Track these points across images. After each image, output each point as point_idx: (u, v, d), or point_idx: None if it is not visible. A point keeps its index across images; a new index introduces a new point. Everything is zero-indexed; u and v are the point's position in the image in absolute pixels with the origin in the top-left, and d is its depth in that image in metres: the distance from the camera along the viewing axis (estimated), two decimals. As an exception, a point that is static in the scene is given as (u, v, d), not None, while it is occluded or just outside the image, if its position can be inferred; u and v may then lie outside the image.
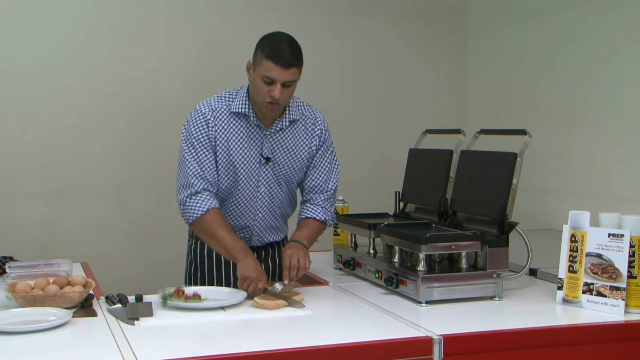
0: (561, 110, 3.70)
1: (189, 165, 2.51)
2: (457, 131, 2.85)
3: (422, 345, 1.96)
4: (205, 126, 2.52)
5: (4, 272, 2.61)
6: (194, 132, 2.52)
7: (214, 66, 3.91)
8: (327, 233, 3.19)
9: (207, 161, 2.52)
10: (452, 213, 2.68)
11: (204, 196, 2.50)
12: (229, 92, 2.60)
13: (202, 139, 2.52)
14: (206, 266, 2.70)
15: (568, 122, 3.65)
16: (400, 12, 4.37)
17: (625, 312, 2.19)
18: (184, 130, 2.57)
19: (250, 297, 2.33)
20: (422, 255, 2.36)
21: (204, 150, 2.52)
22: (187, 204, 2.50)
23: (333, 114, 4.23)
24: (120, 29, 3.87)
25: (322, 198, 2.68)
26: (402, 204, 3.03)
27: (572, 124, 3.63)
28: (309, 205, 2.67)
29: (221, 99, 2.57)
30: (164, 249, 3.87)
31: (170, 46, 3.94)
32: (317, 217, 2.64)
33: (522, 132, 2.44)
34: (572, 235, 2.31)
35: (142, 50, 3.90)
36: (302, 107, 2.65)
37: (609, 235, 2.23)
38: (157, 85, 3.90)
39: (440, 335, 1.98)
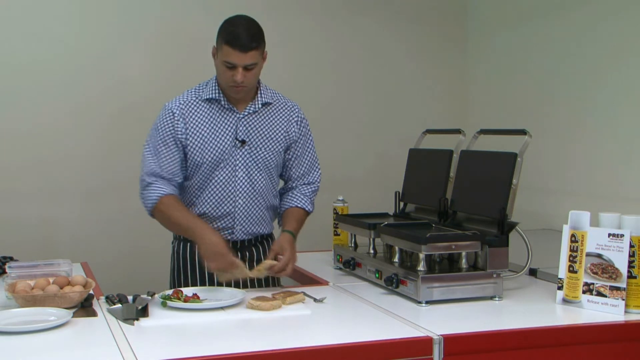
0: (561, 110, 3.70)
1: (146, 161, 2.60)
2: (457, 131, 2.85)
3: (422, 345, 1.96)
4: (170, 120, 2.58)
5: (4, 272, 2.61)
6: (157, 126, 2.61)
7: (206, 65, 3.90)
8: (327, 233, 3.20)
9: (166, 156, 2.58)
10: (452, 213, 2.68)
11: (154, 186, 2.57)
12: (200, 84, 2.66)
13: (164, 134, 2.58)
14: (189, 268, 2.69)
15: (568, 121, 3.65)
16: (401, 12, 4.37)
17: (625, 312, 2.19)
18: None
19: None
20: (422, 255, 2.36)
21: (164, 145, 2.58)
22: (143, 196, 2.60)
23: (333, 114, 4.27)
24: (108, 30, 3.86)
25: (310, 190, 2.73)
26: (402, 204, 3.03)
27: (572, 123, 3.63)
28: (297, 194, 2.70)
29: (191, 92, 2.64)
30: (164, 248, 3.85)
31: (161, 40, 3.95)
32: (306, 209, 2.70)
33: (522, 132, 2.44)
34: (572, 235, 2.31)
35: (138, 43, 3.91)
36: (276, 94, 2.70)
37: (609, 235, 2.23)
38: (154, 80, 3.89)
39: (440, 335, 1.98)
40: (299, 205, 2.70)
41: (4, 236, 3.57)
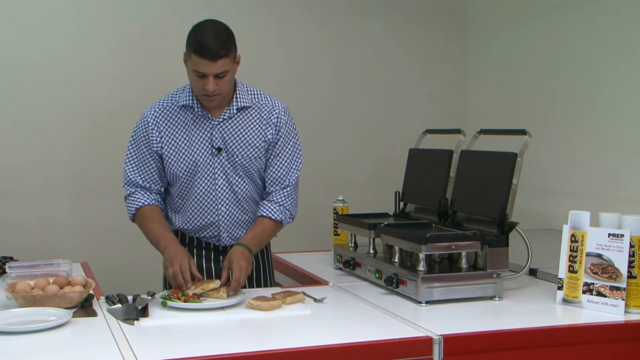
0: (561, 110, 3.70)
1: (126, 170, 2.61)
2: (457, 131, 2.85)
3: (422, 345, 1.96)
4: (144, 130, 2.57)
5: (4, 272, 2.61)
6: (134, 135, 2.60)
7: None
8: (328, 233, 3.20)
9: (143, 165, 2.58)
10: (452, 213, 2.68)
11: (133, 197, 2.59)
12: (178, 88, 2.61)
13: (139, 144, 2.58)
14: None
15: (568, 121, 3.65)
16: (401, 13, 4.37)
17: (625, 312, 2.19)
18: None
19: (176, 286, 2.34)
20: (422, 255, 2.36)
21: (140, 155, 2.58)
22: (126, 205, 2.61)
23: (333, 114, 4.28)
24: (107, 29, 3.87)
25: (282, 195, 2.59)
26: (402, 204, 3.03)
27: (572, 123, 3.63)
28: (267, 203, 2.59)
29: (168, 97, 2.60)
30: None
31: (163, 44, 3.95)
32: (273, 217, 2.56)
33: (522, 132, 2.44)
34: (572, 235, 2.31)
35: (137, 42, 3.92)
36: (258, 96, 2.60)
37: (609, 235, 2.23)
38: (154, 79, 3.88)
39: (440, 335, 1.98)
40: (265, 214, 2.57)
41: (4, 236, 3.58)
